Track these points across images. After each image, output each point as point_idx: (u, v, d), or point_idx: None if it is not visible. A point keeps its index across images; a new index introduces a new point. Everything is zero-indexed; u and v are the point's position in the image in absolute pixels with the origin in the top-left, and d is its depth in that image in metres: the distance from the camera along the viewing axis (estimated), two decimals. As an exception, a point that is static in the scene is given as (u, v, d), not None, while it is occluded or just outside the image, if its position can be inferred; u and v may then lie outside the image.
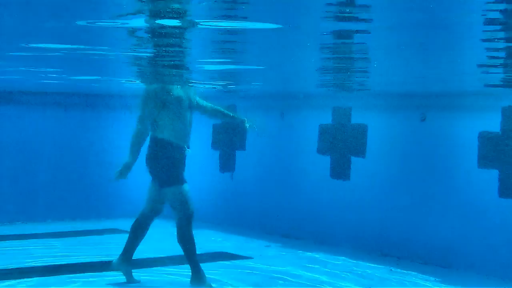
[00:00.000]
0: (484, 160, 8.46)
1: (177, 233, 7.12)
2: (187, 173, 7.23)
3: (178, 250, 7.26)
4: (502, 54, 5.45)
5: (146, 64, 6.85)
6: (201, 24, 4.34)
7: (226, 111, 7.58)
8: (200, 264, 7.16)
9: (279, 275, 8.12)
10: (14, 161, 11.36)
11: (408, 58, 6.12)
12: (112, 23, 4.36)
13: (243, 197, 11.44)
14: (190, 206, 7.09)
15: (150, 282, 7.56)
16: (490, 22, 4.12)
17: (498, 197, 8.33)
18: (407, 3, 3.73)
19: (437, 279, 8.17)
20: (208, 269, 8.03)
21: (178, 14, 4.05)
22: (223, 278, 7.84)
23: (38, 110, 11.60)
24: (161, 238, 9.15)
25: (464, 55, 5.75)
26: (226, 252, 9.43)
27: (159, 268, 8.18)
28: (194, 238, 7.10)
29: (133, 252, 7.38)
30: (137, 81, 8.84)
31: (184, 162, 7.13)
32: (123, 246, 7.40)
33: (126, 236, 7.49)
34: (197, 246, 7.12)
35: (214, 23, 4.30)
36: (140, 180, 7.59)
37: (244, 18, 4.15)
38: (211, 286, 7.16)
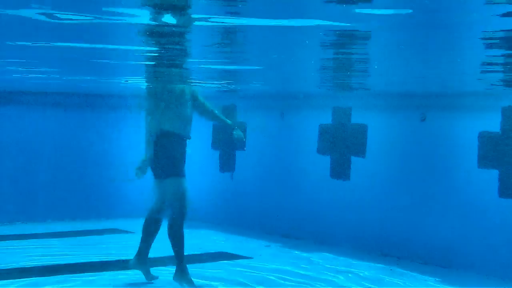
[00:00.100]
0: (484, 160, 8.46)
1: (168, 230, 7.16)
2: (187, 173, 7.23)
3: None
4: (502, 53, 5.45)
5: (146, 63, 6.86)
6: (202, 21, 4.33)
7: (221, 115, 7.64)
8: (200, 264, 7.16)
9: (279, 275, 8.12)
10: (14, 161, 11.36)
11: (408, 58, 6.12)
12: (113, 20, 4.34)
13: (243, 197, 11.44)
14: (185, 204, 7.10)
15: (150, 282, 7.56)
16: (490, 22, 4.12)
17: (498, 197, 8.33)
18: (407, 3, 3.73)
19: (437, 279, 8.17)
20: (208, 269, 8.04)
21: (179, 11, 4.04)
22: (223, 278, 7.83)
23: (38, 110, 11.60)
24: (161, 238, 9.14)
25: (464, 55, 5.75)
26: (226, 252, 9.43)
27: (159, 268, 8.17)
28: (194, 238, 7.11)
29: (147, 251, 7.42)
30: (138, 81, 8.85)
31: (185, 153, 7.13)
32: (124, 246, 7.40)
33: (126, 236, 7.51)
34: (197, 246, 7.14)
35: (215, 20, 4.28)
36: (140, 180, 7.59)
37: (246, 15, 4.14)
38: (192, 282, 7.15)
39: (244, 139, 7.77)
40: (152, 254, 7.58)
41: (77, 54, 6.34)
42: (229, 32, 4.80)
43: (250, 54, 6.16)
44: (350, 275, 8.25)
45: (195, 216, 11.53)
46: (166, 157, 7.03)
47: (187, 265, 7.24)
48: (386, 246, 9.44)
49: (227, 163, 11.85)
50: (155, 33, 4.86)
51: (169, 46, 5.54)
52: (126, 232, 10.73)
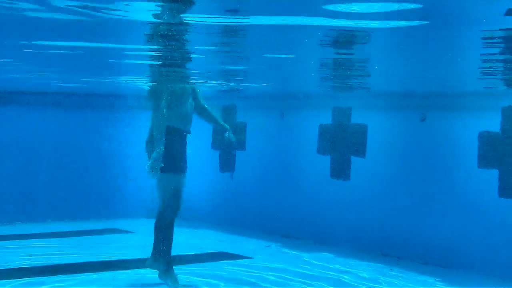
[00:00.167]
0: (484, 160, 8.46)
1: (155, 223, 7.11)
2: (188, 173, 7.22)
3: (180, 250, 7.25)
4: (501, 53, 5.45)
5: (146, 62, 6.86)
6: (202, 21, 4.33)
7: (217, 117, 7.63)
8: (200, 264, 7.15)
9: (279, 275, 8.12)
10: (14, 161, 11.36)
11: (408, 58, 6.12)
12: (115, 16, 4.32)
13: (243, 197, 11.44)
14: (179, 202, 7.07)
15: (151, 282, 7.56)
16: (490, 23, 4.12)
17: (498, 197, 8.33)
18: (407, 2, 3.73)
19: (437, 279, 8.16)
20: (208, 268, 8.04)
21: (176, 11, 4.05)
22: (223, 278, 7.83)
23: (38, 110, 11.60)
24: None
25: (464, 55, 5.75)
26: (226, 252, 9.43)
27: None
28: (194, 238, 7.09)
29: (168, 252, 7.19)
30: (138, 81, 8.84)
31: (185, 147, 7.11)
32: (124, 246, 7.39)
33: (126, 236, 7.50)
34: (197, 246, 7.13)
35: (216, 19, 4.28)
36: (140, 180, 7.59)
37: (247, 13, 4.13)
38: (177, 280, 7.13)
39: (235, 142, 7.75)
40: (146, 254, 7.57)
41: (77, 53, 6.35)
42: (230, 31, 4.80)
43: (250, 54, 6.16)
44: (350, 275, 8.25)
45: (195, 216, 11.57)
46: (167, 153, 6.99)
47: (185, 265, 7.21)
48: (386, 246, 9.44)
49: (227, 163, 11.85)
50: (155, 32, 4.86)
51: (168, 45, 5.54)
52: (126, 232, 10.73)
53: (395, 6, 3.80)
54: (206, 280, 7.67)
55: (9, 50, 6.24)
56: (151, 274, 7.53)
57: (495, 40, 4.83)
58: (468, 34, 4.64)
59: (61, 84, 9.96)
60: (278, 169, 11.00)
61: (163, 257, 7.11)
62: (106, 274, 7.84)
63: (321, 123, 10.37)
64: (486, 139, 8.45)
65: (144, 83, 8.84)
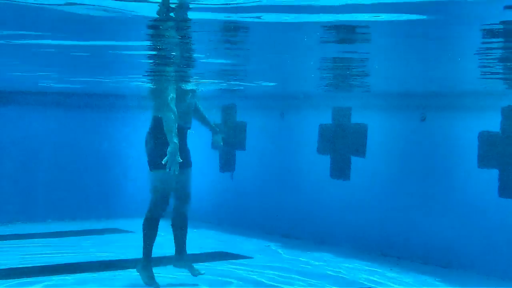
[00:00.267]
0: (484, 160, 8.46)
1: (144, 221, 7.17)
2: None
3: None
4: (501, 53, 5.45)
5: (146, 62, 6.86)
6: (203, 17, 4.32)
7: (208, 119, 7.65)
8: (200, 264, 7.14)
9: (279, 275, 8.12)
10: (14, 161, 11.37)
11: (408, 58, 6.12)
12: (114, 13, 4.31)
13: (243, 197, 11.44)
14: (165, 200, 7.06)
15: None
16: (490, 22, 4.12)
17: (498, 197, 8.33)
18: (407, 3, 3.73)
19: (437, 279, 8.16)
20: (208, 268, 8.03)
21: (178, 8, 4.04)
22: (223, 278, 7.83)
23: (38, 110, 11.61)
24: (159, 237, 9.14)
25: (464, 55, 5.75)
26: (226, 252, 9.43)
27: (159, 267, 8.17)
28: (194, 238, 7.10)
29: (182, 247, 7.45)
30: (138, 81, 8.84)
31: (184, 144, 7.08)
32: (124, 246, 7.39)
33: (127, 236, 7.49)
34: (197, 246, 7.13)
35: (217, 15, 4.27)
36: (140, 180, 7.59)
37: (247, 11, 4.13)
38: (153, 279, 7.14)
39: (221, 145, 7.80)
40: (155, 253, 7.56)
41: (78, 53, 6.35)
42: (230, 30, 4.79)
43: (250, 53, 6.16)
44: (350, 275, 8.25)
45: (195, 216, 11.55)
46: (161, 148, 6.91)
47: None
48: (386, 246, 9.44)
49: (227, 163, 11.85)
50: (156, 30, 4.86)
51: (169, 45, 5.54)
52: (126, 232, 10.73)
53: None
54: (206, 280, 7.67)
55: (9, 50, 6.23)
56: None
57: (495, 40, 4.82)
58: (468, 34, 4.64)
59: (61, 85, 9.96)
60: (278, 169, 11.00)
61: (144, 253, 7.13)
62: (106, 274, 7.85)
63: (321, 123, 10.37)
64: (486, 139, 8.45)
65: (143, 83, 8.84)
